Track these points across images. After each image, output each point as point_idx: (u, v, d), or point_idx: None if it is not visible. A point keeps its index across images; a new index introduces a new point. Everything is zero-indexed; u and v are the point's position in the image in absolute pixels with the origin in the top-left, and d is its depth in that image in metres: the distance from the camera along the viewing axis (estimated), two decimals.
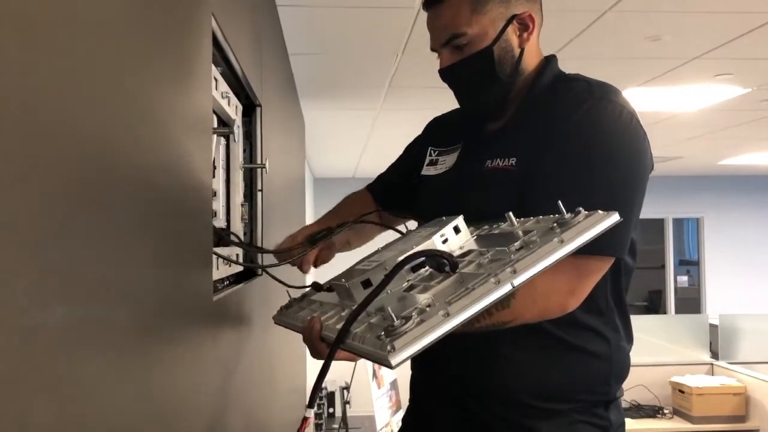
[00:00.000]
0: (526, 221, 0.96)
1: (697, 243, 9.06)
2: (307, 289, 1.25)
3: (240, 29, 1.35)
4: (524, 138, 1.19)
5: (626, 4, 2.55)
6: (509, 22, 1.19)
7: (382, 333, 0.75)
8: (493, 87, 1.21)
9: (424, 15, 2.87)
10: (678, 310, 8.79)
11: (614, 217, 0.84)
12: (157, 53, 0.73)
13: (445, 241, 0.97)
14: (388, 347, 0.72)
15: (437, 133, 1.43)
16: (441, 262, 0.83)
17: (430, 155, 1.37)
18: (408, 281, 0.89)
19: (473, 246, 0.96)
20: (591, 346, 1.19)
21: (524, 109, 1.23)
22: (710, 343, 5.38)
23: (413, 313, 0.76)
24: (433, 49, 1.26)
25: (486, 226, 1.03)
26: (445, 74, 1.24)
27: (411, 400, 1.41)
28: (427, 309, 0.77)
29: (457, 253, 0.94)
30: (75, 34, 0.51)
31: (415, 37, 2.91)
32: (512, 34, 1.20)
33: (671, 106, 4.36)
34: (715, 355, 5.30)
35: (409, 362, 1.32)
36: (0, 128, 0.39)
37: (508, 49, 1.20)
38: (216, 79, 1.17)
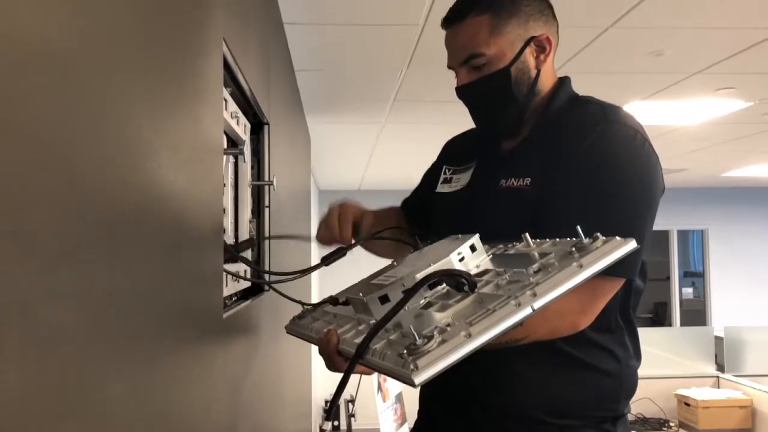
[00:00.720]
0: (542, 243, 0.97)
1: (702, 255, 9.05)
2: (322, 302, 1.26)
3: (249, 51, 1.38)
4: (539, 158, 1.20)
5: (628, 21, 2.58)
6: (527, 43, 1.21)
7: (404, 351, 0.76)
8: (509, 107, 1.24)
9: (428, 31, 2.90)
10: (683, 322, 8.76)
11: (632, 244, 0.86)
12: (171, 79, 0.76)
13: (461, 260, 0.98)
14: (411, 366, 0.73)
15: (452, 152, 1.45)
16: (460, 282, 0.84)
17: (445, 173, 1.39)
18: (425, 298, 0.90)
19: (489, 265, 0.98)
20: (602, 363, 1.21)
21: (539, 129, 1.25)
22: (716, 356, 5.37)
23: (434, 332, 0.77)
24: (450, 67, 1.28)
25: (501, 246, 1.04)
26: (462, 92, 1.27)
27: (420, 413, 1.42)
28: (448, 329, 0.78)
29: (473, 271, 0.96)
30: (92, 60, 0.53)
31: (419, 52, 2.94)
32: (529, 56, 1.22)
33: (674, 120, 4.38)
34: (720, 367, 5.29)
35: None
36: (22, 152, 0.41)
37: (525, 70, 1.22)
38: (226, 100, 1.20)
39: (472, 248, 1.00)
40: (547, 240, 0.97)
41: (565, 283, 0.81)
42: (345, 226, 1.37)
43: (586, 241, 0.87)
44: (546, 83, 1.26)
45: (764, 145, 5.39)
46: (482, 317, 0.78)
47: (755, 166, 6.64)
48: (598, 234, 0.87)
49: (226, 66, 1.14)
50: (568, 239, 0.91)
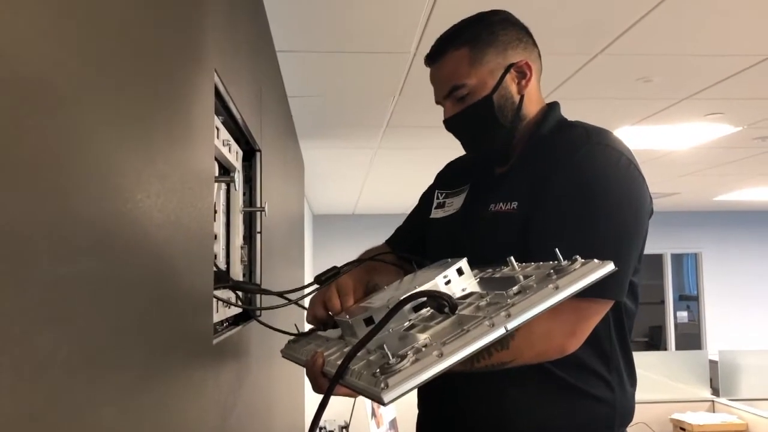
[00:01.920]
0: (527, 266, 0.98)
1: (696, 278, 9.07)
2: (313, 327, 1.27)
3: (240, 80, 1.40)
4: (525, 182, 1.22)
5: (617, 48, 2.62)
6: (507, 70, 1.24)
7: (378, 370, 0.77)
8: (495, 133, 1.26)
9: (419, 59, 2.94)
10: (678, 346, 8.75)
11: (609, 267, 0.87)
12: (162, 109, 0.77)
13: (447, 282, 0.99)
14: (382, 384, 0.74)
15: (446, 177, 1.48)
16: (441, 303, 0.86)
17: (437, 198, 1.41)
18: (410, 320, 0.92)
19: (476, 288, 0.99)
20: (595, 390, 1.20)
21: (526, 153, 1.27)
22: (711, 380, 5.36)
23: (409, 352, 0.78)
24: (437, 102, 1.32)
25: (490, 270, 1.06)
26: (450, 124, 1.30)
27: None
28: (423, 349, 0.79)
29: (459, 294, 0.97)
30: (85, 87, 0.55)
31: (411, 79, 2.98)
32: (511, 82, 1.25)
33: (664, 145, 4.42)
34: (716, 391, 5.28)
35: (416, 400, 1.35)
36: (13, 178, 0.43)
37: (508, 97, 1.25)
38: (218, 128, 1.22)
39: (459, 272, 1.01)
40: (532, 264, 0.98)
41: (540, 304, 0.83)
42: (350, 295, 1.25)
43: (564, 263, 0.88)
44: (531, 108, 1.28)
45: (754, 169, 5.44)
46: (456, 337, 0.79)
47: (746, 189, 6.69)
48: (577, 257, 0.88)
49: (218, 95, 1.17)
50: (550, 263, 0.93)
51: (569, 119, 1.31)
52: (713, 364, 5.39)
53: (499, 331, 0.80)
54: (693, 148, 4.54)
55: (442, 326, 0.85)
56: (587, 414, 1.21)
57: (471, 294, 0.96)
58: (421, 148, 4.47)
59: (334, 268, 1.30)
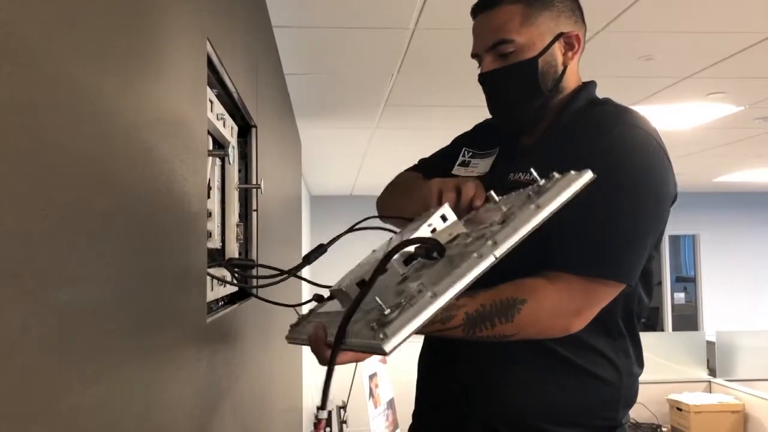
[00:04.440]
0: (507, 197, 0.97)
1: (693, 259, 9.08)
2: (311, 303, 1.25)
3: (235, 52, 1.36)
4: (550, 156, 1.19)
5: (618, 25, 2.58)
6: (556, 38, 1.21)
7: (375, 324, 0.76)
8: (532, 99, 1.23)
9: (418, 35, 2.89)
10: (675, 327, 8.78)
11: (587, 175, 0.85)
12: (151, 77, 0.74)
13: (433, 231, 0.98)
14: (380, 335, 0.73)
15: (479, 135, 1.44)
16: (429, 249, 0.84)
17: (463, 155, 1.38)
18: (402, 274, 0.90)
19: (461, 230, 0.98)
20: (600, 370, 1.19)
21: (556, 127, 1.24)
22: (708, 361, 5.38)
23: (402, 300, 0.77)
24: (474, 55, 1.27)
25: (473, 212, 1.05)
26: (487, 79, 1.25)
27: (415, 413, 1.40)
28: (417, 294, 0.78)
29: (446, 239, 0.95)
30: (71, 58, 0.52)
31: (410, 57, 2.93)
32: (557, 51, 1.22)
33: (666, 124, 4.39)
34: (712, 372, 5.29)
35: (414, 379, 1.33)
36: (6, 154, 0.40)
37: (552, 64, 1.22)
38: (211, 101, 1.18)
39: (443, 218, 1.00)
40: (512, 193, 0.97)
41: (524, 226, 0.81)
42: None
43: (542, 182, 0.86)
44: (570, 83, 1.26)
45: (755, 149, 5.41)
46: (446, 275, 0.77)
47: (746, 171, 6.67)
48: (554, 173, 0.86)
49: (212, 67, 1.13)
50: (529, 186, 0.91)
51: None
52: (710, 345, 5.40)
53: (489, 260, 0.78)
54: (694, 128, 4.51)
55: (432, 270, 0.84)
56: (592, 395, 1.19)
57: (457, 236, 0.94)
58: (420, 128, 4.43)
59: (321, 245, 1.29)
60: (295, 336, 1.19)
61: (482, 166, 1.33)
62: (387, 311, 0.76)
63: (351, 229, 1.33)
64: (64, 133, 0.50)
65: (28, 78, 0.45)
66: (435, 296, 0.75)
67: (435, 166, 1.45)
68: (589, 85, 1.29)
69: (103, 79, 0.58)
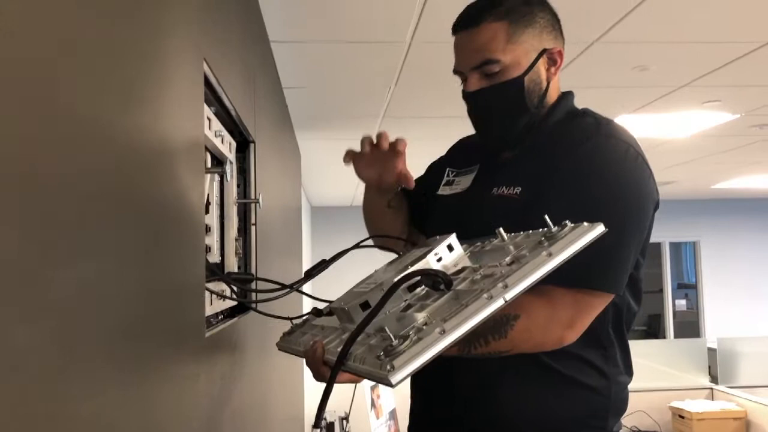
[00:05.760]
0: (516, 236, 0.98)
1: (694, 266, 9.08)
2: (307, 315, 1.26)
3: (232, 70, 1.39)
4: (531, 168, 1.21)
5: (613, 36, 2.61)
6: (540, 55, 1.22)
7: (381, 353, 0.77)
8: (519, 116, 1.24)
9: (415, 49, 2.91)
10: (677, 334, 8.77)
11: (599, 228, 0.86)
12: (149, 100, 0.76)
13: (439, 260, 0.99)
14: (388, 366, 0.74)
15: (458, 154, 1.45)
16: (436, 281, 0.85)
17: (448, 176, 1.39)
18: (405, 300, 0.91)
19: (467, 263, 0.99)
20: (588, 379, 1.20)
21: (535, 140, 1.25)
22: (709, 367, 5.37)
23: (410, 332, 0.78)
24: (457, 72, 1.27)
25: (479, 243, 1.05)
26: (473, 98, 1.25)
27: (410, 424, 1.42)
28: (424, 327, 0.78)
29: (451, 270, 0.97)
30: (72, 78, 0.54)
31: (407, 69, 2.96)
32: (542, 67, 1.23)
33: (662, 133, 4.41)
34: (714, 379, 5.29)
35: (409, 392, 1.34)
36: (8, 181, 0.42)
37: (537, 81, 1.23)
38: (209, 119, 1.20)
39: (450, 248, 1.01)
40: (521, 233, 0.98)
41: (535, 272, 0.82)
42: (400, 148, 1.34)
43: (555, 229, 0.88)
44: (552, 96, 1.27)
45: (752, 156, 5.43)
46: (455, 313, 0.78)
47: (744, 177, 6.68)
48: (567, 222, 0.88)
49: (209, 85, 1.15)
50: (540, 230, 0.92)
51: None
52: (712, 351, 5.40)
53: (498, 303, 0.80)
54: (691, 137, 4.53)
55: (439, 303, 0.85)
56: (581, 403, 1.21)
57: (464, 269, 0.96)
58: (419, 138, 4.43)
59: (323, 261, 1.30)
60: (287, 345, 1.20)
61: (464, 182, 1.34)
62: (395, 342, 0.76)
63: (356, 246, 1.34)
64: (63, 152, 0.52)
65: (31, 100, 0.47)
66: (444, 333, 0.76)
67: (415, 195, 1.47)
68: (567, 96, 1.30)
69: (102, 102, 0.61)
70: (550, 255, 0.83)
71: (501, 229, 0.98)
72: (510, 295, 0.80)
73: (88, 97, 0.58)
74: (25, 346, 0.45)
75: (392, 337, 0.77)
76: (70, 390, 0.53)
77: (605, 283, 1.12)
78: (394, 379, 0.74)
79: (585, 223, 0.87)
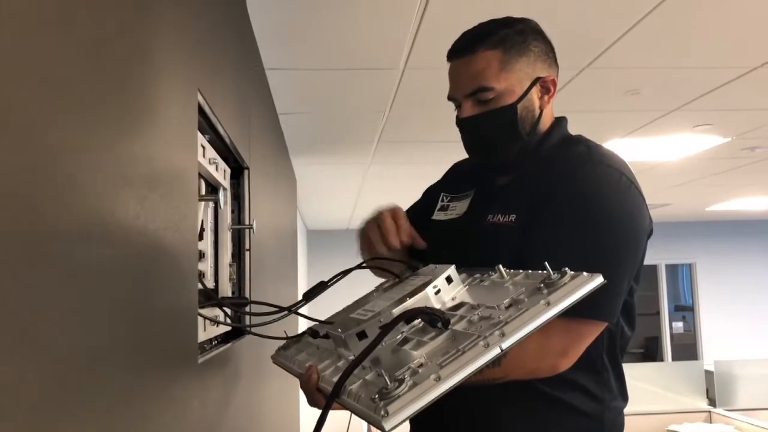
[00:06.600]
0: (516, 274, 0.99)
1: (690, 288, 9.09)
2: (304, 333, 1.26)
3: (226, 98, 1.41)
4: (525, 196, 1.22)
5: (604, 61, 2.65)
6: (534, 83, 1.24)
7: (376, 395, 0.78)
8: (512, 142, 1.25)
9: (408, 75, 2.94)
10: (675, 357, 8.74)
11: (598, 280, 0.87)
12: (143, 129, 0.78)
13: (437, 292, 1.00)
14: (382, 411, 0.75)
15: (453, 179, 1.46)
16: (433, 318, 0.87)
17: (442, 200, 1.41)
18: (402, 332, 0.92)
19: (465, 297, 1.00)
20: (581, 404, 1.20)
21: (529, 167, 1.26)
22: (707, 390, 5.35)
23: (406, 375, 0.79)
24: (451, 98, 1.29)
25: (477, 275, 1.06)
26: (467, 124, 1.26)
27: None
28: (420, 370, 0.80)
29: (449, 304, 0.98)
30: (69, 106, 0.55)
31: (401, 95, 3.00)
32: (535, 95, 1.25)
33: (654, 156, 4.45)
34: (712, 402, 5.26)
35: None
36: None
37: (530, 109, 1.25)
38: (203, 147, 1.22)
39: (448, 280, 1.02)
40: (520, 272, 0.99)
41: (532, 322, 0.83)
42: (405, 227, 1.33)
43: (554, 276, 0.89)
44: (545, 124, 1.28)
45: (744, 179, 5.47)
46: (452, 359, 0.79)
47: (737, 199, 6.72)
48: (567, 269, 0.89)
49: (203, 114, 1.17)
50: (539, 272, 0.93)
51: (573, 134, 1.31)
52: (709, 374, 5.37)
53: (494, 352, 0.81)
54: (683, 160, 4.57)
55: (436, 343, 0.86)
56: (575, 429, 1.21)
57: (461, 304, 0.96)
58: (413, 162, 4.48)
59: (321, 282, 1.30)
60: (282, 360, 1.20)
61: (459, 207, 1.35)
62: (390, 385, 0.78)
63: (356, 268, 1.35)
64: (56, 183, 0.54)
65: (21, 135, 0.48)
66: (439, 380, 0.77)
67: (411, 221, 1.48)
68: (561, 122, 1.31)
69: (97, 132, 0.62)
70: (548, 304, 0.85)
71: (501, 266, 0.99)
72: (507, 344, 0.81)
73: (83, 127, 0.59)
74: (15, 376, 0.46)
75: (387, 379, 0.78)
76: (62, 417, 0.54)
77: (600, 313, 1.13)
78: (387, 425, 0.75)
79: (584, 273, 0.88)
